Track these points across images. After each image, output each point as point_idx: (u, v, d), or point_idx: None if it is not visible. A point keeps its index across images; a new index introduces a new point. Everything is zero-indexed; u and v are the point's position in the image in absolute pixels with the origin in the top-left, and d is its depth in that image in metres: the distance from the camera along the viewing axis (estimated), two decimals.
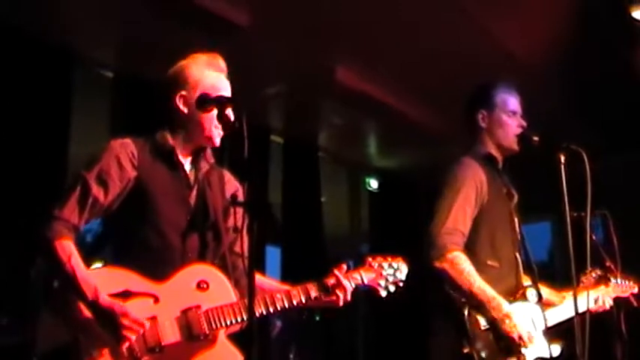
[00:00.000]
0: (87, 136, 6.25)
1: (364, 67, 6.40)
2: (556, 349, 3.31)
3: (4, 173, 5.29)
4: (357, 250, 9.43)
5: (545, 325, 3.34)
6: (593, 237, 3.59)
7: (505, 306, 3.19)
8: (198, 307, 2.63)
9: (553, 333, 3.36)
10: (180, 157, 2.85)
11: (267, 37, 5.68)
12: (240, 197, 2.93)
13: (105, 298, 2.51)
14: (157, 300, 2.60)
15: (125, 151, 2.77)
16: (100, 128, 6.48)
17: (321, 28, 5.70)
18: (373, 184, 9.38)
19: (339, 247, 9.04)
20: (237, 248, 2.83)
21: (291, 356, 6.18)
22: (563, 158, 3.20)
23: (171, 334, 2.58)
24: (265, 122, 7.47)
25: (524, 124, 3.54)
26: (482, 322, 3.20)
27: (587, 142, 3.21)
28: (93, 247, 3.02)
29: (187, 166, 2.88)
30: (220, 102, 2.64)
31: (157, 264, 2.68)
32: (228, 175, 3.03)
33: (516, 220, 3.52)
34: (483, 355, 3.12)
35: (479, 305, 3.18)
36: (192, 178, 2.87)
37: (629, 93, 6.48)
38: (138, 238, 2.74)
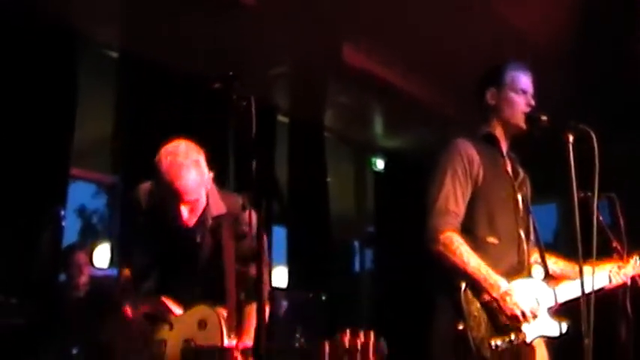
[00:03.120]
0: (92, 116, 6.28)
1: (371, 47, 6.39)
2: (560, 328, 3.30)
3: (10, 153, 5.30)
4: (363, 231, 9.45)
5: (556, 301, 3.34)
6: (600, 218, 3.59)
7: (502, 283, 3.18)
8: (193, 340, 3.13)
9: (561, 312, 3.35)
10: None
11: (273, 16, 5.65)
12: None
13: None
14: (171, 327, 3.18)
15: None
16: (105, 109, 6.50)
17: (328, 7, 5.67)
18: (379, 164, 9.39)
19: (345, 227, 9.06)
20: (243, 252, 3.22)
21: (297, 336, 6.18)
22: (571, 138, 3.18)
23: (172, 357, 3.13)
24: (271, 102, 7.46)
25: (533, 103, 3.51)
26: (480, 301, 3.19)
27: (596, 125, 3.18)
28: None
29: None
30: (226, 79, 2.66)
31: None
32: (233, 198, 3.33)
33: (520, 197, 3.50)
34: (478, 333, 3.12)
35: (476, 283, 3.18)
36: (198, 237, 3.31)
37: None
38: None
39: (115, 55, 6.44)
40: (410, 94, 7.18)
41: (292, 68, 6.73)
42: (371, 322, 8.96)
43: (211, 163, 3.23)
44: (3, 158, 5.27)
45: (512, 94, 3.51)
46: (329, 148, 8.46)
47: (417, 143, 8.59)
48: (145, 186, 3.31)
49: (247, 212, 2.97)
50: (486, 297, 3.17)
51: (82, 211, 10.63)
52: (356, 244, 9.71)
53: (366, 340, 2.94)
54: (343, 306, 8.25)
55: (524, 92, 3.52)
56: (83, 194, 10.04)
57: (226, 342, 3.06)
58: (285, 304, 6.47)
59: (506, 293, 3.16)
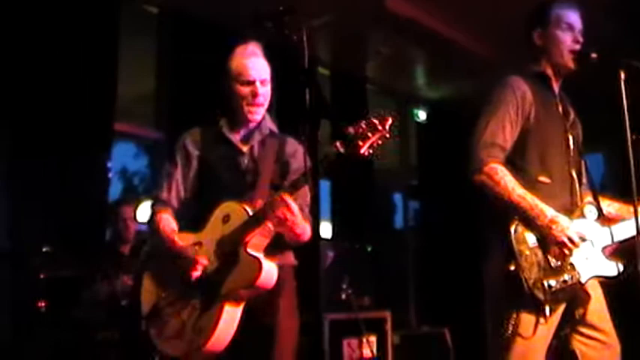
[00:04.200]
0: (134, 72, 6.30)
1: None
2: (616, 268, 3.25)
3: (56, 109, 5.35)
4: (406, 182, 9.42)
5: (612, 239, 3.28)
6: None
7: (549, 211, 3.13)
8: (223, 236, 3.20)
9: (618, 252, 3.30)
10: (233, 134, 3.43)
11: None
12: (300, 158, 3.31)
13: (178, 244, 3.24)
14: (200, 245, 3.25)
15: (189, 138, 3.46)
16: (146, 65, 6.52)
17: None
18: (421, 115, 9.32)
19: (388, 179, 9.04)
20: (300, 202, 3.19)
21: (344, 286, 6.22)
22: (623, 75, 3.11)
23: (210, 265, 3.20)
24: (313, 54, 7.39)
25: (581, 39, 3.42)
26: (531, 240, 3.15)
27: None
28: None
29: (240, 138, 3.43)
30: (275, 15, 2.67)
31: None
32: (289, 139, 3.48)
33: (572, 138, 3.44)
34: (531, 273, 3.08)
35: (522, 214, 3.13)
36: (245, 146, 3.41)
37: None
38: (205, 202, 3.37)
39: (155, 10, 6.44)
40: (453, 42, 7.08)
41: (334, 18, 6.64)
42: (416, 274, 8.99)
43: None
44: (49, 114, 5.33)
45: (558, 32, 3.43)
46: (371, 99, 8.40)
47: (459, 95, 8.50)
48: (194, 131, 3.50)
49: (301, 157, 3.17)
50: (536, 227, 3.13)
51: (124, 172, 10.79)
52: (399, 196, 9.67)
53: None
54: (388, 258, 8.27)
55: (571, 29, 3.43)
56: (125, 155, 10.12)
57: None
58: (331, 254, 6.50)
59: (552, 220, 3.12)
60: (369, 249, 7.01)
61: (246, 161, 3.38)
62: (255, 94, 3.31)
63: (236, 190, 3.28)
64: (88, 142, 5.48)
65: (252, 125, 3.42)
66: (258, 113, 3.38)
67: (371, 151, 2.98)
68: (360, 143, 2.95)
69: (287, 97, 3.40)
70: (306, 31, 2.50)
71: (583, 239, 3.15)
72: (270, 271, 3.12)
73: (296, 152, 3.41)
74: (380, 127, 2.96)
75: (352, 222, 7.83)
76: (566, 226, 3.12)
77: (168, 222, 3.35)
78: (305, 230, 3.16)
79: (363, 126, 2.96)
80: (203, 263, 3.17)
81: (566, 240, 3.11)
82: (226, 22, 6.09)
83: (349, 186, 7.77)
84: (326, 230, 7.95)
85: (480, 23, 6.72)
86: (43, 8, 5.39)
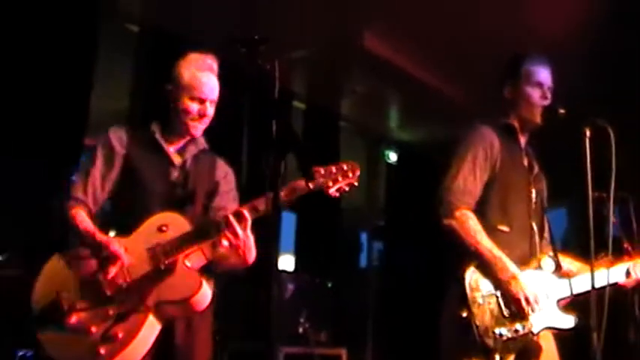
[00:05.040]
0: (109, 89, 6.28)
1: (391, 35, 6.36)
2: (569, 321, 3.28)
3: (27, 121, 5.32)
4: (372, 222, 9.43)
5: (571, 292, 3.32)
6: (615, 219, 3.57)
7: (512, 267, 3.18)
8: (158, 244, 3.00)
9: (570, 305, 3.33)
10: (167, 142, 3.26)
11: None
12: (230, 181, 3.34)
13: (100, 236, 2.98)
14: (125, 249, 2.98)
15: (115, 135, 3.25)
16: (123, 82, 6.51)
17: None
18: (392, 156, 9.37)
19: (355, 217, 9.05)
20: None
21: (302, 320, 6.19)
22: (588, 132, 3.16)
23: (138, 270, 2.97)
24: (288, 87, 7.44)
25: (549, 96, 3.49)
26: (486, 288, 3.18)
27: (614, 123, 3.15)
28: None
29: (175, 149, 3.27)
30: (250, 43, 2.69)
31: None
32: (219, 161, 3.38)
33: (535, 191, 3.49)
34: (483, 321, 3.11)
35: (485, 265, 3.17)
36: (177, 158, 3.25)
37: None
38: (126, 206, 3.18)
39: (135, 28, 6.45)
40: (428, 86, 7.15)
41: (312, 53, 6.70)
42: (375, 313, 8.96)
43: (228, 139, 3.29)
44: (20, 126, 5.29)
45: (528, 88, 3.51)
46: (343, 137, 8.44)
47: (432, 138, 8.56)
48: (120, 129, 3.33)
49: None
50: (495, 280, 3.16)
51: None
52: (365, 235, 9.69)
53: None
54: (348, 296, 8.25)
55: (540, 85, 3.51)
56: None
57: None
58: (291, 287, 6.47)
59: (513, 277, 3.16)
60: (330, 284, 6.98)
61: (177, 174, 3.22)
62: (203, 114, 3.20)
63: (165, 201, 3.13)
64: (57, 156, 5.44)
65: (189, 138, 3.28)
66: (201, 129, 3.25)
67: (337, 195, 3.02)
68: (330, 184, 2.98)
69: (255, 126, 3.39)
70: (278, 63, 2.51)
71: (537, 302, 3.18)
72: (206, 292, 3.00)
73: (227, 175, 3.35)
74: (350, 175, 3.01)
75: (316, 256, 7.81)
76: (526, 286, 3.16)
77: (85, 218, 3.07)
78: (252, 256, 3.10)
79: (334, 170, 3.00)
80: (126, 261, 2.93)
81: (522, 299, 3.14)
82: (207, 43, 6.09)
83: (315, 220, 7.77)
84: (288, 262, 7.92)
85: (457, 70, 6.81)
86: (23, 20, 5.38)
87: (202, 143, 3.33)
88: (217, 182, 3.30)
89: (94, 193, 3.15)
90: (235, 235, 2.94)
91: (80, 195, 3.13)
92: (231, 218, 2.94)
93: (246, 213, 2.95)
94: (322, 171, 3.00)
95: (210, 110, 3.22)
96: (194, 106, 3.19)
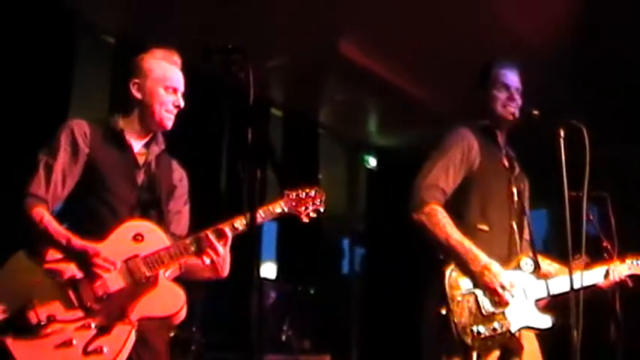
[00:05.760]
0: (87, 101, 6.27)
1: (368, 43, 6.39)
2: (547, 321, 3.31)
3: (5, 135, 5.30)
4: (353, 228, 9.44)
5: (548, 292, 3.35)
6: (591, 217, 3.62)
7: (483, 257, 3.22)
8: (136, 255, 2.88)
9: (551, 305, 3.36)
10: (132, 140, 3.12)
11: (271, 7, 5.65)
12: (185, 185, 3.28)
13: (77, 241, 2.80)
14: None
15: (79, 130, 3.03)
16: (100, 94, 6.48)
17: (326, 1, 5.68)
18: (372, 161, 9.39)
19: (335, 224, 9.04)
20: (175, 230, 3.15)
21: (285, 328, 6.19)
22: (562, 133, 3.20)
23: (115, 282, 2.84)
24: (267, 95, 7.44)
25: (517, 97, 3.56)
26: (465, 286, 3.22)
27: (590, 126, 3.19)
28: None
29: (139, 149, 3.15)
30: (226, 51, 2.70)
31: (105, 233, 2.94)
32: (175, 163, 3.30)
33: (515, 191, 3.53)
34: (461, 318, 3.15)
35: (457, 258, 3.22)
36: (142, 159, 3.13)
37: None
38: (89, 210, 3.00)
39: (111, 40, 6.43)
40: (405, 92, 7.18)
41: (289, 61, 6.72)
42: (358, 319, 8.96)
43: (206, 149, 3.27)
44: None
45: (495, 91, 3.60)
46: (322, 144, 8.45)
47: (411, 144, 8.58)
48: (81, 122, 3.08)
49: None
50: (469, 272, 3.21)
51: None
52: (346, 241, 9.69)
53: None
54: (331, 303, 8.25)
55: (507, 88, 3.59)
56: None
57: (168, 244, 2.93)
58: (273, 295, 6.47)
59: (485, 267, 3.20)
60: (313, 291, 6.98)
61: (142, 177, 3.10)
62: (177, 105, 3.12)
63: (132, 207, 3.02)
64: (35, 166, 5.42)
65: (156, 132, 3.17)
66: (172, 120, 3.14)
67: (307, 220, 3.14)
68: (302, 209, 3.12)
69: (232, 134, 3.40)
70: (253, 71, 2.53)
71: (512, 286, 3.22)
72: (185, 308, 2.95)
73: (182, 178, 3.29)
74: (318, 202, 3.16)
75: (297, 264, 7.81)
76: (498, 273, 3.19)
77: (52, 220, 2.86)
78: (227, 269, 3.10)
79: (303, 195, 3.13)
80: (112, 266, 2.81)
81: (497, 287, 3.18)
82: (181, 57, 6.10)
83: (296, 228, 7.75)
84: (270, 270, 7.91)
85: (433, 75, 6.84)
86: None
87: (161, 142, 3.22)
88: (175, 185, 3.24)
89: (54, 192, 2.92)
90: (216, 252, 2.93)
91: (41, 193, 2.90)
92: (211, 236, 2.94)
93: (227, 230, 2.95)
94: (292, 195, 3.11)
95: (182, 102, 3.15)
96: (170, 97, 3.11)
